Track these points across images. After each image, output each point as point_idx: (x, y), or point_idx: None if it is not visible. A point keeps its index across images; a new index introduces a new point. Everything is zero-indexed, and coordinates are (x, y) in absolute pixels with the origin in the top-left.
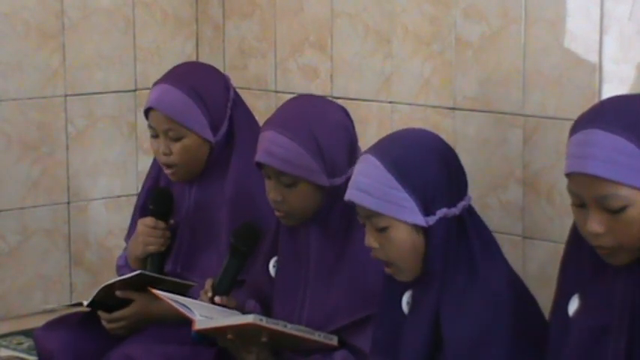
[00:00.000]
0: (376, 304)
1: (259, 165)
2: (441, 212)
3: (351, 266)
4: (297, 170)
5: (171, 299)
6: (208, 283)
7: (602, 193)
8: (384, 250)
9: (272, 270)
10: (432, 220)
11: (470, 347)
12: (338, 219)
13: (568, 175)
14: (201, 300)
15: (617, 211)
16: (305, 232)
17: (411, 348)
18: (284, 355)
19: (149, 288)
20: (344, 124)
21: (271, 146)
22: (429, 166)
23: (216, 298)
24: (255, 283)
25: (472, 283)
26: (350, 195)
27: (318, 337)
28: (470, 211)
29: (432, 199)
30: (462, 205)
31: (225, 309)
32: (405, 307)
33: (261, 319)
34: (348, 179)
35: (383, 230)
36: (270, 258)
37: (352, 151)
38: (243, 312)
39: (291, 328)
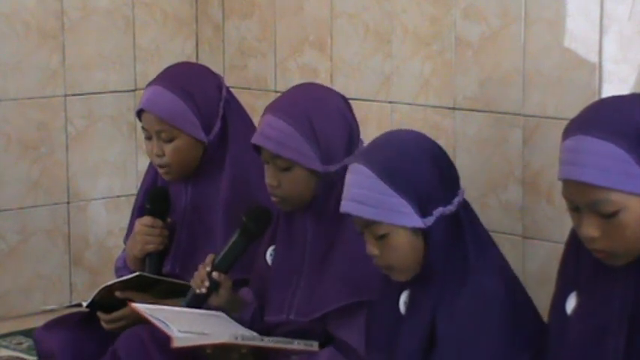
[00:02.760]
0: (364, 293)
1: (257, 149)
2: (438, 212)
3: (341, 254)
4: (291, 153)
5: (150, 315)
6: (209, 257)
7: (594, 198)
8: (385, 256)
9: (269, 259)
10: (430, 221)
11: (460, 344)
12: (333, 207)
13: (561, 180)
14: (200, 273)
15: (610, 216)
16: (301, 219)
17: (407, 347)
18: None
19: (129, 303)
20: (342, 113)
21: (267, 129)
22: (420, 167)
23: (214, 274)
24: (253, 273)
25: (464, 281)
26: (345, 207)
27: (297, 345)
28: (464, 205)
29: (427, 200)
30: (456, 201)
31: (206, 313)
32: (402, 307)
33: (236, 338)
34: (344, 168)
35: (382, 237)
36: (268, 247)
37: (350, 140)
38: (236, 297)
39: (268, 341)
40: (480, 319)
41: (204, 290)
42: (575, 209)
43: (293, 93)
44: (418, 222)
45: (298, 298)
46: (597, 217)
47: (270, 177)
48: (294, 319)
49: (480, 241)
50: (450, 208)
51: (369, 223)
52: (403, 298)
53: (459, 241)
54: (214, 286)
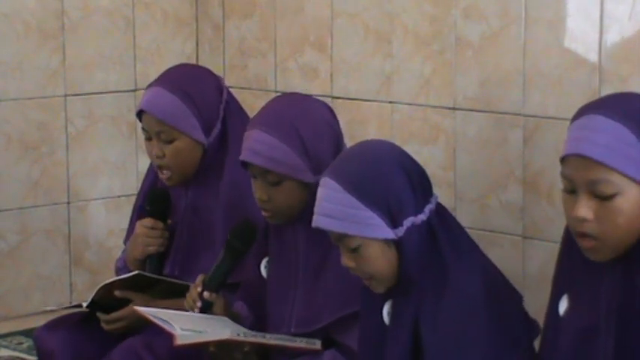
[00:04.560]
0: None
1: (245, 164)
2: (409, 221)
3: (337, 263)
4: (282, 168)
5: (152, 315)
6: (200, 278)
7: (595, 177)
8: (360, 268)
9: (263, 271)
10: (400, 231)
11: (447, 352)
12: None
13: (564, 158)
14: (191, 294)
15: (606, 198)
16: (293, 231)
17: (393, 357)
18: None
19: (133, 307)
20: (328, 121)
21: (255, 145)
22: (388, 178)
23: (205, 294)
24: (247, 284)
25: (444, 288)
26: (316, 221)
27: (300, 343)
28: (438, 210)
29: (397, 211)
30: (428, 208)
31: (207, 316)
32: (386, 318)
33: (238, 334)
34: None
35: (356, 250)
36: (261, 259)
37: (337, 148)
38: (231, 313)
39: (270, 338)
40: (463, 324)
41: (196, 311)
42: (571, 191)
43: (276, 105)
44: (389, 233)
45: (297, 310)
46: (593, 199)
47: (259, 192)
48: (294, 331)
49: (457, 245)
50: (422, 217)
51: (341, 236)
52: (386, 308)
53: (434, 249)
54: (207, 305)
